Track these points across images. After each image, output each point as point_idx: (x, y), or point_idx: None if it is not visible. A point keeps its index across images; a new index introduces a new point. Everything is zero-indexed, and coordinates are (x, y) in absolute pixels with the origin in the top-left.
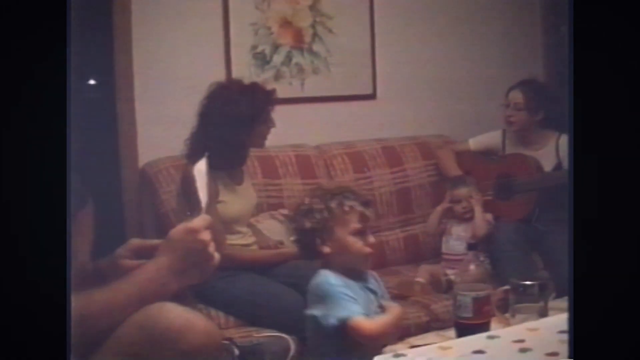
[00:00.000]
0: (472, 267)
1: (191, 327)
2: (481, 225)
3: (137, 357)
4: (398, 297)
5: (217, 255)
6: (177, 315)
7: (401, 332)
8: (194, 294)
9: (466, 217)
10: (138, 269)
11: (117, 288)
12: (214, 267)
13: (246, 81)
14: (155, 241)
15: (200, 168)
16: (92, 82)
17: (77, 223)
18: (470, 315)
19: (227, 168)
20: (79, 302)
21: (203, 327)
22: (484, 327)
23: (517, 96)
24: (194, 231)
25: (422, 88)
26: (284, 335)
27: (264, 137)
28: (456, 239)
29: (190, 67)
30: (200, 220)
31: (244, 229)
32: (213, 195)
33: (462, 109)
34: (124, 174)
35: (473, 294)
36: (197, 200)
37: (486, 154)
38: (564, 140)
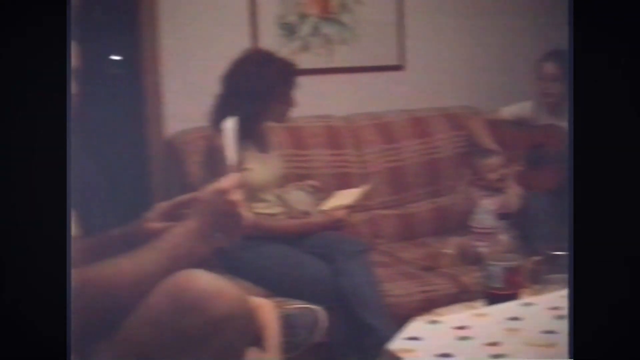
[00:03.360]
0: (503, 237)
1: (221, 294)
2: (514, 200)
3: (167, 326)
4: (426, 269)
5: (248, 215)
6: (207, 282)
7: (429, 304)
8: (222, 264)
9: (497, 187)
10: (165, 235)
11: (145, 256)
12: (244, 229)
13: (273, 52)
14: (182, 197)
15: (228, 125)
16: (115, 57)
17: None
18: (500, 285)
19: (249, 136)
20: (106, 272)
21: (233, 294)
22: (513, 298)
23: (551, 67)
24: (223, 191)
25: (449, 59)
26: (314, 306)
27: (283, 115)
28: (485, 212)
29: (216, 38)
30: (229, 180)
31: (271, 198)
32: (239, 162)
33: (490, 80)
34: (150, 146)
35: (504, 264)
36: (225, 159)
37: (518, 123)
38: None
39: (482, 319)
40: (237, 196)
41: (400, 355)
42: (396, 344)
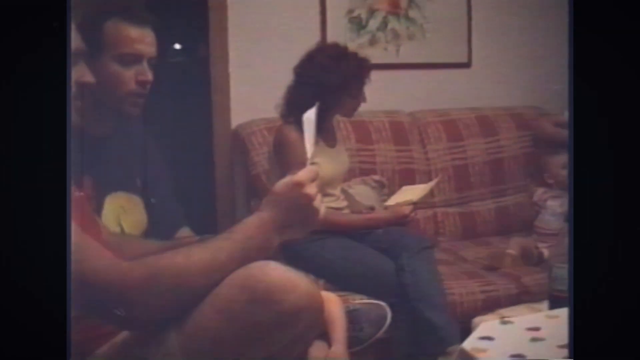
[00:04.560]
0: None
1: (294, 287)
2: None
3: (238, 316)
4: (488, 268)
5: (323, 209)
6: (280, 274)
7: (491, 304)
8: (285, 256)
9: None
10: (239, 225)
11: (217, 246)
12: (318, 222)
13: (347, 47)
14: None
15: (310, 117)
16: (177, 46)
17: None
18: (565, 288)
19: (318, 130)
20: (177, 260)
21: (305, 287)
22: None
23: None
24: (299, 184)
25: (517, 58)
26: (381, 302)
27: (353, 110)
28: (551, 214)
29: (285, 31)
30: (306, 173)
31: (336, 193)
32: (305, 156)
33: (558, 81)
34: (216, 136)
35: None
36: (303, 152)
37: None
38: None
39: (554, 321)
40: (312, 189)
41: (474, 354)
42: (469, 343)
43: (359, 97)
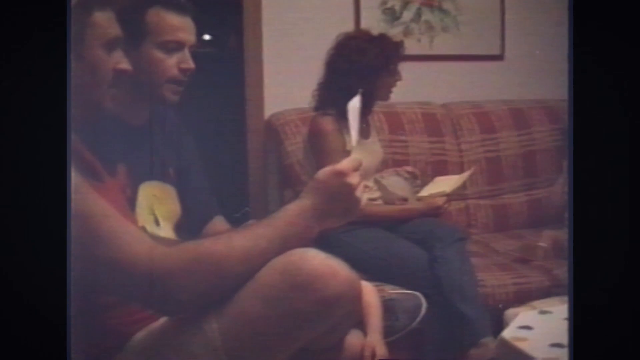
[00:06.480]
0: None
1: (334, 274)
2: None
3: (278, 302)
4: (520, 261)
5: (364, 198)
6: (321, 261)
7: (522, 296)
8: (318, 246)
9: None
10: (280, 212)
11: (258, 233)
12: (359, 212)
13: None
14: None
15: (355, 105)
16: (207, 37)
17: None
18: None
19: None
20: (218, 247)
21: (345, 275)
22: None
23: None
24: (341, 173)
25: (550, 51)
26: (416, 293)
27: (390, 90)
28: None
29: (318, 22)
30: (348, 162)
31: (370, 184)
32: (340, 147)
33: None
34: (249, 126)
35: None
36: (340, 142)
37: None
38: None
39: None
40: (355, 179)
41: (514, 343)
42: (509, 333)
43: (396, 73)
